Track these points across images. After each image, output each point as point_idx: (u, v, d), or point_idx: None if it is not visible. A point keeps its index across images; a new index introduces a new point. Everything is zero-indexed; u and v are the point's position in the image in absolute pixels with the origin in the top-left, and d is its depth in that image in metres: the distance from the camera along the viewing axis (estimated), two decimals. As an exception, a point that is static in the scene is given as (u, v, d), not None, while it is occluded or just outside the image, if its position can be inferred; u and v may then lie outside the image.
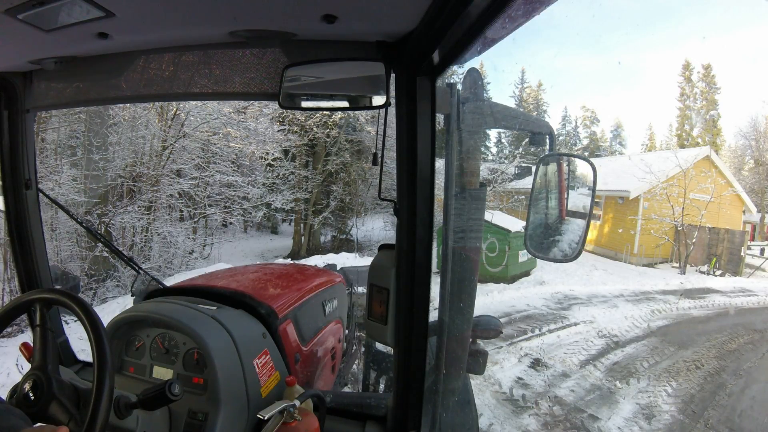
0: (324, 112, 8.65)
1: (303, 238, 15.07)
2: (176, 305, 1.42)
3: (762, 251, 15.74)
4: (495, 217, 11.36)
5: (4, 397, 0.99)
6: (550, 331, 7.32)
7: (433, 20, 0.89)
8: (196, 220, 11.20)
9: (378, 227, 16.33)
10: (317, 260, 9.75)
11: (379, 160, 1.19)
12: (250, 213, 12.53)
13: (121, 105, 8.03)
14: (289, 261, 11.10)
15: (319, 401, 1.33)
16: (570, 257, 1.31)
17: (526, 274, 11.47)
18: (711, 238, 14.89)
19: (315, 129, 13.53)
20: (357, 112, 6.95)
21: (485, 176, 16.40)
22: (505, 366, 5.79)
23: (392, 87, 1.09)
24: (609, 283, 11.56)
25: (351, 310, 2.68)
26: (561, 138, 35.25)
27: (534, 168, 1.39)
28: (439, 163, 1.17)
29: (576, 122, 37.59)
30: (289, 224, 17.87)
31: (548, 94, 37.48)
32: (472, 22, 0.81)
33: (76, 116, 8.01)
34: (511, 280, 10.89)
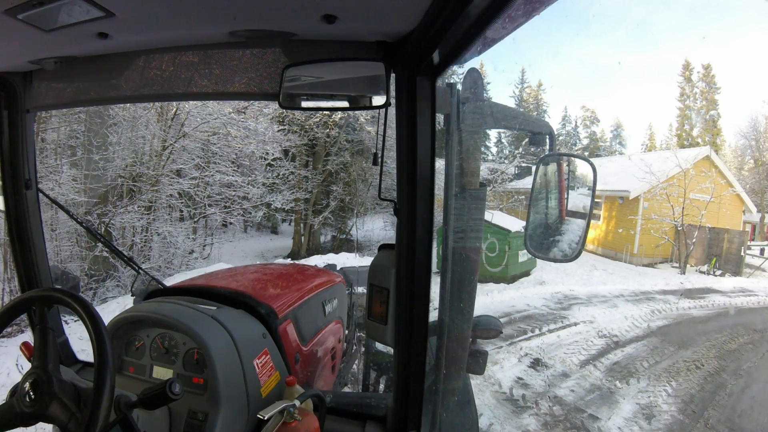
0: (324, 112, 8.64)
1: (303, 238, 15.06)
2: (176, 305, 1.42)
3: (762, 251, 15.74)
4: (495, 217, 11.36)
5: (4, 396, 0.99)
6: (550, 331, 7.32)
7: (433, 20, 0.89)
8: (196, 220, 11.20)
9: (378, 227, 16.30)
10: (317, 260, 9.74)
11: (379, 160, 1.19)
12: (250, 213, 12.53)
13: (121, 105, 8.03)
14: (289, 261, 11.10)
15: (319, 401, 1.32)
16: (570, 257, 1.31)
17: (526, 274, 11.46)
18: (711, 238, 14.89)
19: (315, 129, 13.53)
20: (357, 112, 6.94)
21: (485, 176, 16.39)
22: (505, 366, 5.79)
23: (392, 87, 1.09)
24: (609, 283, 11.56)
25: (351, 310, 2.68)
26: (561, 138, 35.24)
27: (534, 168, 1.39)
28: (439, 163, 1.17)
29: (576, 122, 37.62)
30: (289, 224, 17.84)
31: (548, 94, 37.54)
32: (472, 22, 0.81)
33: (76, 116, 8.01)
34: (511, 280, 10.89)
